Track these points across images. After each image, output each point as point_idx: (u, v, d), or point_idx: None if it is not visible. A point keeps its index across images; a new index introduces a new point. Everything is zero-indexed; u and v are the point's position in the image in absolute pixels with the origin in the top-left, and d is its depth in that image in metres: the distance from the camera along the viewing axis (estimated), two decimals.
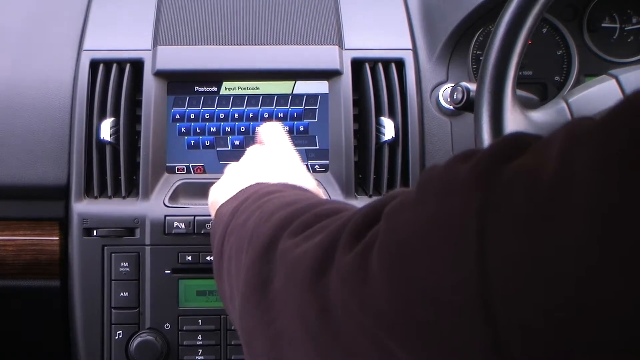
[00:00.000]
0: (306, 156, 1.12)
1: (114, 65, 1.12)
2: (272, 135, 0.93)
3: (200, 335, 1.07)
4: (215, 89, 1.13)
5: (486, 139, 0.94)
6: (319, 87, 1.13)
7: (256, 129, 0.98)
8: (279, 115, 1.13)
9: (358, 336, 0.46)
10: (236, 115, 1.13)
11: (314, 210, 0.62)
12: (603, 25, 1.24)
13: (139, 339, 1.05)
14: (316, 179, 1.07)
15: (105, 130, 1.08)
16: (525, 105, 0.97)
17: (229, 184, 0.86)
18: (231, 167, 0.92)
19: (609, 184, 0.33)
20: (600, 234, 0.33)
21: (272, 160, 0.87)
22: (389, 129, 1.10)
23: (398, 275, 0.43)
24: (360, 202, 1.09)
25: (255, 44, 1.15)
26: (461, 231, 0.39)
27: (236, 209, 0.74)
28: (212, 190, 0.92)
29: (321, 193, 0.88)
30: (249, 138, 1.12)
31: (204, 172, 1.12)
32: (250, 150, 0.92)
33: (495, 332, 0.37)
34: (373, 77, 1.13)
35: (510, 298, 0.36)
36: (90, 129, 1.10)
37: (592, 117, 0.37)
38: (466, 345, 0.39)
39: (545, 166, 0.36)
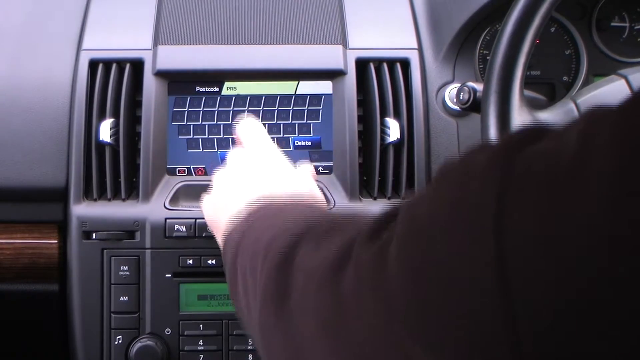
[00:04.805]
0: (309, 158, 1.11)
1: (114, 65, 1.10)
2: (250, 135, 0.92)
3: (201, 341, 1.06)
4: (216, 89, 1.11)
5: (493, 140, 0.93)
6: (323, 87, 1.12)
7: (235, 128, 0.96)
8: (282, 116, 1.11)
9: (372, 333, 0.46)
10: (238, 116, 1.11)
11: (329, 222, 0.62)
12: (612, 24, 1.23)
13: (139, 344, 1.04)
14: (318, 181, 1.06)
15: (105, 131, 1.07)
16: (533, 105, 0.97)
17: (225, 199, 0.86)
18: (220, 177, 0.91)
19: (629, 164, 0.33)
20: (620, 212, 0.33)
21: (262, 167, 0.86)
22: (394, 130, 1.09)
23: (416, 263, 0.43)
24: (364, 204, 1.08)
25: (258, 44, 1.14)
26: (479, 213, 0.39)
27: (246, 228, 0.74)
28: (206, 206, 0.90)
29: (318, 192, 0.88)
30: None
31: (206, 174, 1.10)
32: (232, 156, 0.91)
33: (512, 313, 0.37)
34: (378, 77, 1.12)
35: (528, 278, 0.36)
36: (90, 130, 1.08)
37: (610, 105, 0.38)
38: (483, 327, 0.38)
39: (564, 148, 0.37)
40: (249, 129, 0.93)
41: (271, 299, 0.60)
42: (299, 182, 0.85)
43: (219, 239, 0.85)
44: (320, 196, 0.88)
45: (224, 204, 0.85)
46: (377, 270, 0.46)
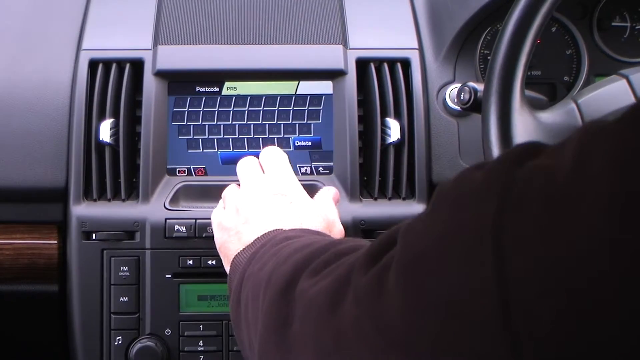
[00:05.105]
0: (310, 158, 1.10)
1: (114, 65, 1.10)
2: (273, 163, 0.92)
3: (201, 341, 1.05)
4: (217, 89, 1.11)
5: (494, 140, 0.92)
6: (323, 87, 1.11)
7: (260, 155, 0.96)
8: (282, 116, 1.11)
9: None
10: (238, 116, 1.11)
11: (334, 249, 0.62)
12: (613, 24, 1.23)
13: (139, 345, 1.04)
14: (322, 182, 1.06)
15: (105, 132, 1.07)
16: (534, 105, 0.96)
17: (236, 225, 0.86)
18: (232, 195, 0.91)
19: (630, 177, 0.33)
20: (621, 227, 0.33)
21: (277, 198, 0.87)
22: (394, 130, 1.09)
23: (414, 288, 0.42)
24: (365, 204, 1.08)
25: (258, 44, 1.13)
26: (477, 235, 0.39)
27: (252, 256, 0.74)
28: (217, 228, 0.90)
29: (335, 219, 0.88)
30: (252, 139, 1.10)
31: (206, 174, 1.10)
32: (249, 178, 0.91)
33: (515, 336, 0.36)
34: (378, 77, 1.11)
35: (530, 300, 0.36)
36: (89, 130, 1.08)
37: (605, 119, 0.37)
38: (484, 352, 0.38)
39: (561, 165, 0.37)
40: (273, 157, 0.93)
41: (273, 325, 0.60)
42: (312, 214, 0.86)
43: (226, 265, 0.85)
44: (336, 224, 0.89)
45: (235, 232, 0.85)
46: (376, 297, 0.45)
